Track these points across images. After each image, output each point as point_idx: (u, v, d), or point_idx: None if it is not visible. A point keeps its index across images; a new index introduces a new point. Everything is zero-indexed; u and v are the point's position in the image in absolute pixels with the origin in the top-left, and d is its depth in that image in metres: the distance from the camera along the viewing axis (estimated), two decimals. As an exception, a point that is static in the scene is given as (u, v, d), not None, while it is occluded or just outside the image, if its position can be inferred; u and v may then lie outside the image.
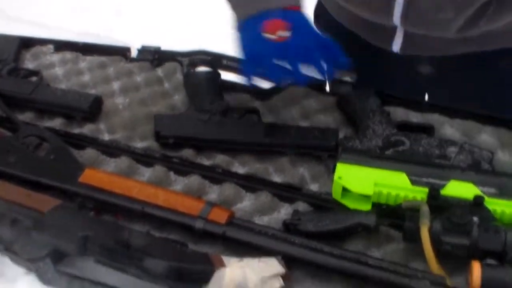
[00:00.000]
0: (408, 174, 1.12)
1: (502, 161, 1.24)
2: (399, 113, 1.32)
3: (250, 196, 1.19)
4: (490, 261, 1.03)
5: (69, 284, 1.04)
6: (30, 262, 1.04)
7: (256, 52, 1.19)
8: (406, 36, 1.38)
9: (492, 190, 1.10)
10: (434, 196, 1.08)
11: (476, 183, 1.11)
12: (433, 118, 1.32)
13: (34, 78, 1.38)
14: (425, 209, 1.06)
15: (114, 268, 1.00)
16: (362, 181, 1.12)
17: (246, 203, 1.18)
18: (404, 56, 1.43)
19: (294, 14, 1.20)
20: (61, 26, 1.66)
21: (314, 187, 1.22)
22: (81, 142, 1.27)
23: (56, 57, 1.46)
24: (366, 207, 1.12)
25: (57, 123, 1.32)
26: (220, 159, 1.25)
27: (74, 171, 1.16)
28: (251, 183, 1.21)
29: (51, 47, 1.48)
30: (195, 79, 1.32)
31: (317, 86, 1.36)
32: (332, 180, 1.17)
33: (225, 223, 1.08)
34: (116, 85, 1.39)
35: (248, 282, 0.99)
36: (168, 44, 1.46)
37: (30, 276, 1.06)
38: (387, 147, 1.21)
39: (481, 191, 1.09)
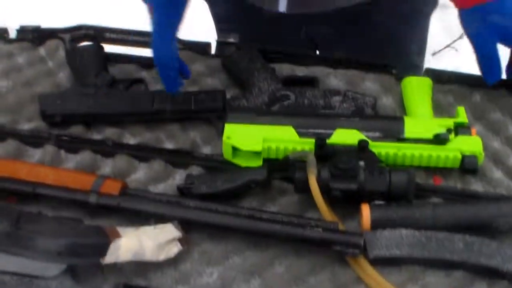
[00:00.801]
0: (295, 127, 1.14)
1: (385, 105, 1.27)
2: (284, 69, 1.33)
3: (143, 165, 1.19)
4: (378, 202, 1.06)
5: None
6: None
7: None
8: None
9: (376, 134, 1.13)
10: (321, 146, 1.10)
11: (360, 129, 1.13)
12: (318, 70, 1.34)
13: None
14: (311, 158, 1.08)
15: (6, 252, 0.99)
16: (250, 139, 1.13)
17: (140, 173, 1.18)
18: (291, 15, 1.42)
19: None
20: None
21: (206, 150, 1.22)
22: (-35, 128, 1.24)
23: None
24: (257, 163, 1.13)
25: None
26: (110, 132, 1.24)
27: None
28: (143, 152, 1.21)
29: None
30: (78, 55, 1.30)
31: (202, 49, 1.37)
32: (221, 143, 1.18)
33: (119, 194, 1.08)
34: (-5, 68, 1.35)
35: (145, 250, 1.00)
36: (48, 21, 1.43)
37: None
38: (273, 102, 1.22)
39: (366, 136, 1.11)
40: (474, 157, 1.12)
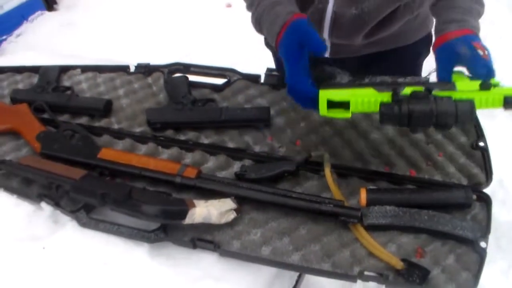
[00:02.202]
0: (375, 89, 0.97)
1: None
2: None
3: (212, 158, 1.18)
4: (372, 187, 1.05)
5: (96, 225, 1.05)
6: (71, 213, 1.05)
7: None
8: (333, 45, 1.36)
9: (436, 88, 0.95)
10: (397, 93, 0.93)
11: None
12: None
13: (68, 92, 1.36)
14: (326, 156, 1.06)
15: (123, 213, 1.01)
16: (341, 94, 0.97)
17: (210, 163, 1.16)
18: (332, 59, 1.39)
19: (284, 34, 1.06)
20: (84, 56, 1.63)
21: (256, 148, 1.20)
22: (99, 131, 1.26)
23: (82, 77, 1.44)
24: (347, 115, 0.96)
25: (83, 120, 1.30)
26: (191, 135, 1.23)
27: (94, 150, 1.15)
28: (212, 149, 1.19)
29: (79, 70, 1.46)
30: (172, 82, 1.30)
31: (254, 79, 1.34)
32: (266, 143, 1.18)
33: (195, 177, 1.07)
34: (121, 91, 1.36)
35: (212, 216, 0.99)
36: (154, 60, 1.44)
37: (73, 221, 1.07)
38: (355, 81, 1.05)
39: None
40: None
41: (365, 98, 0.95)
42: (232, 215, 1.01)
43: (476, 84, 0.95)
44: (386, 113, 0.92)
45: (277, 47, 1.06)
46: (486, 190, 1.09)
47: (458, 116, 0.89)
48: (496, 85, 0.95)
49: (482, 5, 1.13)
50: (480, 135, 1.19)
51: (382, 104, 0.93)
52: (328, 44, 1.36)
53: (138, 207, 0.99)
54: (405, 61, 1.44)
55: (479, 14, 1.12)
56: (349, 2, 1.21)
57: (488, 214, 1.05)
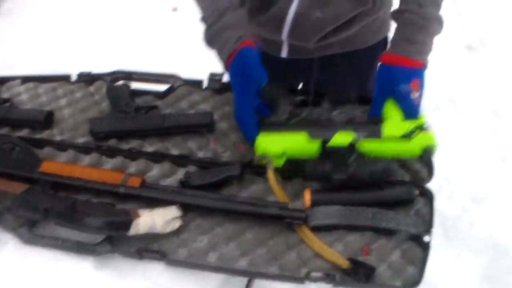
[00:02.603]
0: (308, 133, 1.09)
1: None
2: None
3: (157, 166, 1.17)
4: (316, 187, 1.07)
5: (40, 241, 1.03)
6: (13, 229, 1.03)
7: None
8: (290, 47, 1.38)
9: (364, 134, 1.09)
10: (324, 146, 1.07)
11: (352, 132, 1.09)
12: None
13: (7, 104, 1.33)
14: (269, 159, 1.06)
15: (67, 227, 1.00)
16: (276, 144, 1.08)
17: (154, 171, 1.15)
18: (289, 59, 1.41)
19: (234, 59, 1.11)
20: (24, 66, 1.60)
21: (200, 154, 1.19)
22: (41, 143, 1.23)
23: (22, 88, 1.40)
24: (281, 162, 1.08)
25: (24, 132, 1.27)
26: (134, 143, 1.21)
27: (36, 164, 1.12)
28: (156, 157, 1.18)
29: (18, 81, 1.42)
30: (114, 91, 1.28)
31: (197, 84, 1.34)
32: (209, 149, 1.19)
33: (139, 186, 1.07)
34: (63, 101, 1.33)
35: (157, 225, 0.99)
36: (99, 67, 1.41)
37: (15, 239, 1.04)
38: (292, 117, 1.19)
39: (357, 136, 1.08)
40: (429, 150, 1.08)
41: (296, 148, 1.08)
42: (178, 223, 1.01)
43: (402, 127, 1.09)
44: (310, 173, 1.07)
45: (226, 71, 1.10)
46: (432, 186, 1.12)
47: (372, 178, 1.04)
48: (420, 126, 1.09)
49: (442, 24, 1.14)
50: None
51: (308, 163, 1.07)
52: (285, 45, 1.37)
53: (81, 220, 0.98)
54: (362, 63, 1.46)
55: (437, 33, 1.14)
56: (314, 6, 1.23)
57: (431, 209, 1.07)
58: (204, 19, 1.13)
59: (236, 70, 1.09)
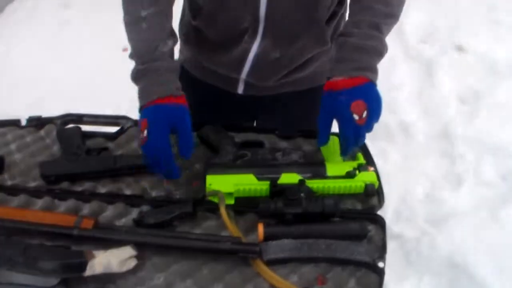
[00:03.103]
0: (254, 174, 1.14)
1: (311, 154, 1.28)
2: (240, 136, 1.32)
3: (110, 207, 1.17)
4: (269, 222, 1.09)
5: (-6, 287, 1.01)
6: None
7: None
8: (246, 84, 1.41)
9: (308, 174, 1.15)
10: (274, 185, 1.11)
11: (297, 172, 1.14)
12: (261, 136, 1.34)
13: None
14: (221, 195, 1.09)
15: (20, 272, 0.98)
16: (225, 184, 1.12)
17: (108, 212, 1.16)
18: (244, 95, 1.45)
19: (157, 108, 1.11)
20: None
21: (153, 193, 1.20)
22: (-9, 190, 1.22)
23: None
24: (230, 201, 1.12)
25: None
26: (87, 185, 1.22)
27: (-14, 210, 1.11)
28: (110, 198, 1.19)
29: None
30: (65, 134, 1.29)
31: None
32: (163, 188, 1.20)
33: (92, 228, 1.07)
34: (13, 146, 1.34)
35: (112, 265, 1.00)
36: (47, 111, 1.41)
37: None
38: (237, 159, 1.22)
39: (302, 177, 1.13)
40: (372, 185, 1.15)
41: (246, 187, 1.12)
42: (133, 262, 1.01)
43: (344, 168, 1.16)
44: (264, 209, 1.08)
45: (144, 107, 1.10)
46: (390, 210, 1.16)
47: (324, 212, 1.06)
48: (360, 165, 1.18)
49: (380, 41, 1.15)
50: (370, 161, 1.24)
51: (261, 200, 1.09)
52: (242, 82, 1.41)
53: (35, 264, 0.97)
54: (314, 99, 1.47)
55: (375, 49, 1.14)
56: (274, 47, 1.26)
57: (383, 235, 1.10)
58: (133, 56, 1.15)
59: (169, 116, 1.09)
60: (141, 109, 1.11)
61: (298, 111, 1.50)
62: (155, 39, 1.13)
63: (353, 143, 1.10)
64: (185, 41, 1.44)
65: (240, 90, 1.44)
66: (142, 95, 1.12)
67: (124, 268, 1.00)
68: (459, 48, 3.50)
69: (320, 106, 1.13)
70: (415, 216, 2.48)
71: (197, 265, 1.04)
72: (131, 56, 1.15)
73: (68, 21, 4.17)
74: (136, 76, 1.13)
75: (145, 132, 1.07)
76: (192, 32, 1.37)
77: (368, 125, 1.08)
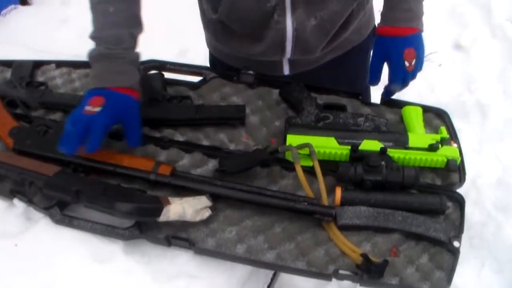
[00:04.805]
0: (336, 138, 1.13)
1: (393, 124, 1.25)
2: (322, 98, 1.30)
3: (188, 156, 1.18)
4: (349, 187, 1.07)
5: (70, 222, 1.04)
6: (45, 209, 1.05)
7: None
8: (292, 63, 1.36)
9: (390, 144, 1.13)
10: (355, 150, 1.10)
11: (379, 140, 1.13)
12: (346, 100, 1.31)
13: (42, 87, 1.35)
14: (295, 151, 1.07)
15: (97, 210, 1.01)
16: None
17: (185, 161, 1.16)
18: (291, 75, 1.40)
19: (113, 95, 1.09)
20: (60, 51, 1.61)
21: (231, 146, 1.20)
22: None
23: (56, 72, 1.42)
24: (309, 163, 1.09)
25: (57, 116, 1.29)
26: (166, 132, 1.23)
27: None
28: (188, 147, 1.19)
29: (53, 65, 1.44)
30: (148, 79, 1.28)
31: (229, 76, 1.35)
32: (241, 142, 1.19)
33: (169, 175, 1.07)
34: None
35: (186, 213, 1.00)
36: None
37: (46, 218, 1.06)
38: (318, 121, 1.20)
39: (383, 145, 1.12)
40: (455, 161, 1.12)
41: (326, 150, 1.11)
42: (207, 213, 1.02)
43: (427, 139, 1.14)
44: (343, 174, 1.07)
45: (103, 88, 1.09)
46: (460, 190, 1.12)
47: (403, 183, 1.05)
48: (444, 139, 1.16)
49: None
50: (453, 136, 1.21)
51: (341, 164, 1.08)
52: (286, 64, 1.36)
53: (112, 204, 0.99)
54: (357, 60, 1.45)
55: None
56: (308, 15, 1.20)
57: (462, 214, 1.07)
58: (96, 38, 1.14)
59: (120, 107, 1.09)
60: (97, 89, 1.09)
61: (348, 73, 1.46)
62: (123, 25, 1.13)
63: (399, 87, 1.23)
64: (215, 37, 1.39)
65: (286, 71, 1.38)
66: (101, 76, 1.11)
67: (198, 218, 1.01)
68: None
69: (373, 48, 1.23)
70: (482, 200, 2.41)
71: (270, 222, 1.04)
72: (93, 37, 1.14)
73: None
74: (98, 58, 1.12)
75: (97, 108, 1.05)
76: (220, 29, 1.31)
77: (414, 73, 1.20)
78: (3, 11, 3.81)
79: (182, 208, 0.99)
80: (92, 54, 1.12)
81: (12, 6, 3.88)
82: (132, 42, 1.15)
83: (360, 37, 1.40)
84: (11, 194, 1.09)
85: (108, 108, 1.05)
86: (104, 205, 1.00)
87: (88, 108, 1.05)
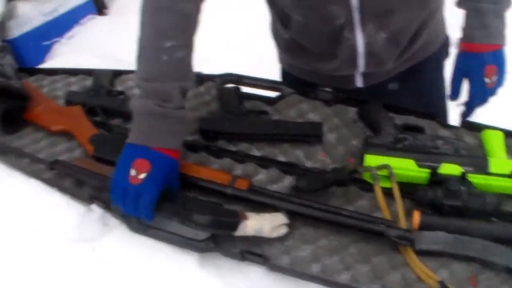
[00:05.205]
0: (415, 160, 1.11)
1: (473, 148, 1.22)
2: (401, 119, 1.28)
3: (264, 171, 1.18)
4: (427, 211, 1.04)
5: (145, 231, 1.06)
6: (122, 216, 1.07)
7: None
8: (365, 76, 1.36)
9: (470, 168, 1.09)
10: (434, 174, 1.07)
11: (459, 164, 1.10)
12: (423, 122, 1.29)
13: (121, 96, 1.39)
14: (375, 172, 1.06)
15: (175, 221, 1.01)
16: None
17: (261, 176, 1.16)
18: (364, 87, 1.39)
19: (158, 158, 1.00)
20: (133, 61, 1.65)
21: (307, 163, 1.20)
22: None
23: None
24: (388, 184, 1.07)
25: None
26: (243, 146, 1.23)
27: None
28: (264, 162, 1.19)
29: (131, 75, 1.47)
30: (225, 92, 1.30)
31: (306, 93, 1.35)
32: (318, 159, 1.19)
33: (246, 189, 1.07)
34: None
35: (263, 229, 1.00)
36: (207, 69, 1.43)
37: (122, 225, 1.09)
38: (397, 142, 1.18)
39: (463, 169, 1.08)
40: None
41: (405, 172, 1.08)
42: (284, 230, 1.01)
43: (510, 165, 1.09)
44: (421, 197, 1.05)
45: (146, 147, 1.00)
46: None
47: (484, 210, 1.01)
48: None
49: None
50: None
51: (420, 188, 1.06)
52: (359, 77, 1.36)
53: (190, 215, 0.99)
54: (431, 70, 1.43)
55: (506, 9, 1.16)
56: (377, 28, 1.20)
57: None
58: (146, 91, 1.03)
59: (167, 171, 1.02)
60: (140, 147, 1.00)
61: (422, 84, 1.43)
62: (175, 79, 1.02)
63: (478, 104, 1.21)
64: (286, 51, 1.40)
65: (359, 83, 1.37)
66: (146, 134, 1.01)
67: (274, 234, 1.00)
68: None
69: (453, 66, 1.22)
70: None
71: (346, 242, 1.03)
72: (139, 86, 1.04)
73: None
74: (144, 113, 1.02)
75: (143, 175, 0.98)
76: (292, 46, 1.33)
77: (494, 89, 1.19)
78: (81, 21, 3.95)
79: (260, 224, 0.99)
80: (137, 108, 1.02)
81: (90, 16, 4.03)
82: (182, 100, 1.04)
83: (432, 47, 1.38)
84: (89, 199, 1.12)
85: (155, 177, 0.98)
86: (182, 216, 1.00)
87: (133, 173, 0.98)
